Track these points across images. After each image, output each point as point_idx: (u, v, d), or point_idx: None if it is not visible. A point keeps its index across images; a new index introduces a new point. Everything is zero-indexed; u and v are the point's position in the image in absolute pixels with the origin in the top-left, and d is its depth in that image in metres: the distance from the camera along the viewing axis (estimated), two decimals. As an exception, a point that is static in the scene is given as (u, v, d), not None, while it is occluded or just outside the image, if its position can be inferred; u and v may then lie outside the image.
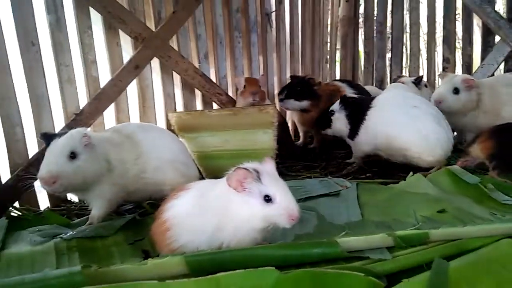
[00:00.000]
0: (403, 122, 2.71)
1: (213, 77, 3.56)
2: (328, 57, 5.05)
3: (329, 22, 5.10)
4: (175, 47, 3.21)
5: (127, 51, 3.01)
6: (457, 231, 1.57)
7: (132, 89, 2.98)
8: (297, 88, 3.57)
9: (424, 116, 2.71)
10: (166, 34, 3.07)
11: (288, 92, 3.60)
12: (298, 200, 2.18)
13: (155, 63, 3.12)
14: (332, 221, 1.99)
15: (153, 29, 3.02)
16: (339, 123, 2.99)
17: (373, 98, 3.02)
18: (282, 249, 1.54)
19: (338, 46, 5.06)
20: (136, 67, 2.89)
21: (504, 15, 3.74)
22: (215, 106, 3.51)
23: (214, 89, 3.40)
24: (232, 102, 3.50)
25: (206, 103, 3.49)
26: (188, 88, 3.34)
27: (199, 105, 3.49)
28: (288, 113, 4.14)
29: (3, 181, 2.34)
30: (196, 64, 3.37)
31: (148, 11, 3.09)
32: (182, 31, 3.23)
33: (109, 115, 2.85)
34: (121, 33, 2.87)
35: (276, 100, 3.90)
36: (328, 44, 5.07)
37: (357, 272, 1.35)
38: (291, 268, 1.40)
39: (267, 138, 2.79)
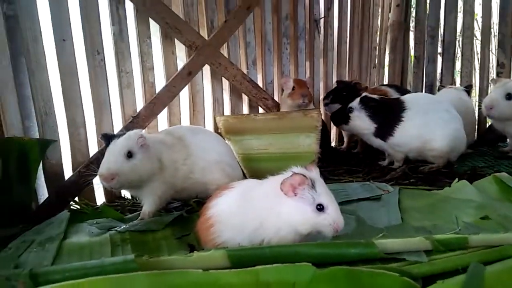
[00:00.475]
0: (439, 125, 2.92)
1: (260, 83, 3.68)
2: (376, 62, 5.01)
3: (378, 27, 5.06)
4: (225, 54, 3.37)
5: (181, 59, 3.21)
6: (498, 237, 1.55)
7: (184, 94, 3.17)
8: (343, 92, 3.61)
9: (454, 119, 3.00)
10: (217, 42, 3.23)
11: (334, 97, 3.66)
12: (339, 204, 2.25)
13: (205, 69, 3.30)
14: (371, 224, 2.02)
15: (206, 38, 3.19)
16: (360, 121, 3.06)
17: (398, 99, 3.09)
18: (320, 247, 1.59)
19: (387, 51, 5.01)
20: (189, 74, 3.08)
21: None
22: (260, 110, 3.63)
23: (261, 94, 3.53)
24: (278, 106, 3.60)
25: (252, 108, 3.61)
26: (235, 93, 3.49)
27: (245, 110, 3.63)
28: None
29: (66, 177, 2.58)
30: (244, 70, 3.51)
31: (202, 21, 3.27)
32: (232, 39, 3.38)
33: (162, 118, 3.05)
34: (176, 41, 3.06)
35: (321, 104, 3.96)
36: (377, 49, 5.02)
37: (392, 272, 1.39)
38: (328, 266, 1.46)
39: (310, 142, 2.86)
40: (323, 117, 4.02)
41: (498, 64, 3.96)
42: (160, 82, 3.03)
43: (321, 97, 4.11)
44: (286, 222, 1.59)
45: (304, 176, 1.55)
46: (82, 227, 2.10)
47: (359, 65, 4.70)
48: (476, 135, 4.01)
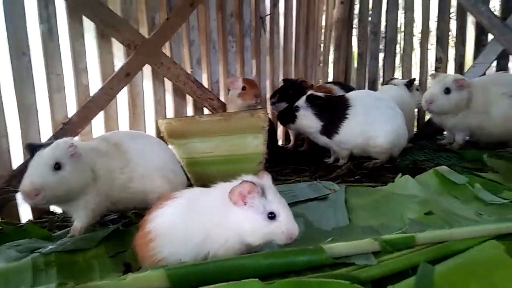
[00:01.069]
0: (382, 122, 2.98)
1: (205, 82, 3.56)
2: (321, 59, 5.05)
3: (323, 24, 5.10)
4: (168, 53, 3.22)
5: (120, 59, 3.02)
6: (443, 233, 1.56)
7: (122, 96, 2.98)
8: (289, 91, 3.59)
9: (396, 116, 3.06)
10: (159, 40, 3.07)
11: (281, 96, 3.63)
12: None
13: (146, 69, 3.13)
14: (319, 226, 1.99)
15: (146, 36, 3.02)
16: (306, 120, 3.05)
17: (343, 96, 3.13)
18: (267, 258, 1.52)
19: (332, 48, 5.06)
20: (127, 75, 2.90)
21: (498, 14, 3.73)
22: (206, 111, 3.52)
23: (206, 95, 3.41)
24: (224, 107, 3.50)
25: (198, 109, 3.49)
26: (179, 94, 3.34)
27: (190, 111, 3.49)
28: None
29: (-16, 194, 2.30)
30: (188, 69, 3.38)
31: (142, 18, 3.10)
32: (175, 37, 3.24)
33: (98, 123, 2.85)
34: (113, 40, 2.87)
35: (268, 103, 3.91)
36: (322, 46, 5.07)
37: (342, 279, 1.34)
38: (276, 278, 1.39)
39: (257, 143, 2.79)
40: (269, 116, 4.01)
41: (436, 60, 4.11)
42: (95, 85, 2.82)
43: (268, 95, 4.06)
44: (235, 233, 1.51)
45: (253, 183, 1.48)
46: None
47: (305, 63, 4.71)
48: (415, 129, 4.14)
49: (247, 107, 3.24)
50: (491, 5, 3.83)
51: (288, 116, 3.14)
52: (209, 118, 2.90)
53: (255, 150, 2.79)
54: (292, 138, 4.00)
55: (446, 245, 1.56)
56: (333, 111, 3.03)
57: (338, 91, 3.70)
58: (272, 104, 3.69)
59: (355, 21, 5.06)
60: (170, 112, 3.36)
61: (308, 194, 2.36)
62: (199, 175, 2.76)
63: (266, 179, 1.59)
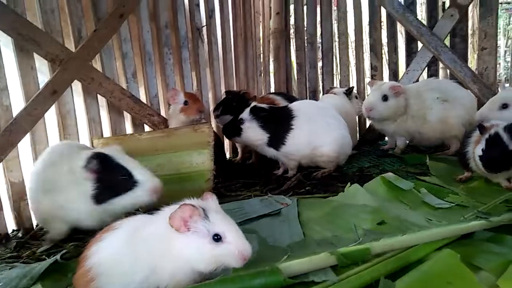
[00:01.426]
0: (326, 131, 3.00)
1: (143, 97, 3.37)
2: (262, 69, 5.04)
3: (261, 35, 5.10)
4: (99, 68, 3.00)
5: (45, 75, 2.75)
6: (396, 241, 1.55)
7: (51, 116, 2.72)
8: (233, 103, 3.52)
9: (339, 124, 3.10)
10: (87, 54, 2.84)
11: (224, 108, 3.55)
12: (238, 224, 2.08)
13: (76, 86, 2.88)
14: (274, 243, 1.92)
15: (73, 50, 2.79)
16: (252, 132, 3.00)
17: (286, 107, 3.13)
18: (222, 284, 1.43)
19: (271, 58, 5.08)
20: (54, 93, 2.64)
21: (425, 23, 3.93)
22: (146, 128, 3.32)
23: (145, 110, 3.22)
24: (165, 122, 3.33)
25: (137, 126, 3.29)
26: (115, 111, 3.12)
27: (129, 129, 3.28)
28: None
29: None
30: (123, 84, 3.17)
31: (67, 30, 2.85)
32: (106, 50, 3.02)
33: (24, 147, 2.56)
34: (36, 55, 2.60)
35: (212, 116, 3.80)
36: (261, 56, 5.06)
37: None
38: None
39: (204, 159, 2.67)
40: (215, 129, 3.89)
41: (371, 68, 4.25)
42: (18, 105, 2.53)
43: (211, 108, 3.95)
44: (183, 262, 1.40)
45: (193, 206, 1.38)
46: None
47: (246, 74, 4.66)
48: (358, 135, 4.24)
49: (190, 122, 3.11)
50: (418, 15, 4.04)
51: (233, 129, 3.07)
52: (149, 136, 2.73)
53: (202, 167, 2.66)
54: (239, 151, 3.92)
55: (403, 255, 1.55)
56: (278, 122, 3.00)
57: (281, 101, 3.69)
58: (216, 117, 3.59)
59: (292, 31, 5.12)
60: (106, 131, 3.12)
61: (260, 210, 2.28)
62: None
63: (210, 200, 1.52)
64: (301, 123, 2.98)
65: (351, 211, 2.12)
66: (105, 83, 2.94)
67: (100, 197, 1.97)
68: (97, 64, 3.01)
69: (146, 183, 2.00)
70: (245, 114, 3.00)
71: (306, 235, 1.98)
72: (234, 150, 4.36)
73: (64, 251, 1.97)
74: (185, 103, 3.15)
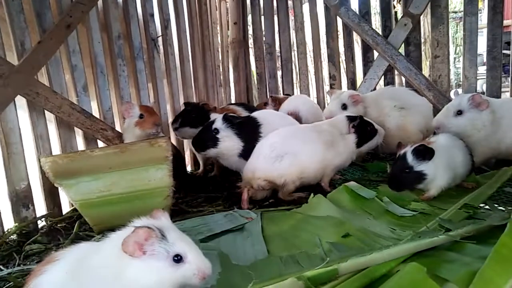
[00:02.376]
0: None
1: (96, 111, 3.20)
2: (221, 80, 4.97)
3: (219, 45, 5.04)
4: (46, 82, 2.81)
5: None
6: (364, 260, 1.50)
7: (-8, 134, 2.51)
8: (192, 115, 3.40)
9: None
10: (31, 67, 2.65)
11: (183, 120, 3.42)
12: (201, 241, 1.97)
13: (21, 101, 2.68)
14: (237, 261, 1.82)
15: (15, 63, 2.59)
16: (229, 141, 2.87)
17: (250, 116, 3.08)
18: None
19: (231, 69, 5.02)
20: (-5, 109, 2.44)
21: (380, 32, 4.02)
22: (100, 143, 3.14)
23: (97, 125, 3.04)
24: (120, 137, 3.17)
25: (90, 141, 3.10)
26: (65, 127, 2.93)
27: (81, 145, 3.09)
28: (186, 141, 3.94)
29: None
30: (73, 98, 2.99)
31: (8, 42, 2.65)
32: (53, 62, 2.83)
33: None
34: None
35: (171, 129, 3.67)
36: (221, 67, 5.00)
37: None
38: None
39: (162, 175, 2.54)
40: (174, 142, 3.76)
41: (330, 77, 4.29)
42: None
43: (170, 121, 3.82)
44: None
45: (149, 228, 1.27)
46: None
47: (205, 84, 4.57)
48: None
49: (147, 136, 2.97)
50: (373, 24, 4.12)
51: (207, 141, 2.90)
52: (102, 152, 2.55)
53: (160, 183, 2.53)
54: (201, 163, 3.80)
55: (369, 272, 1.50)
56: (249, 130, 2.92)
57: (242, 112, 3.63)
58: (175, 129, 3.45)
59: (251, 41, 5.10)
60: (56, 148, 2.91)
61: (224, 226, 2.19)
62: (98, 218, 2.44)
63: (163, 218, 1.41)
64: (267, 132, 2.91)
65: (316, 223, 2.07)
66: (52, 97, 2.75)
67: None
68: (43, 78, 2.82)
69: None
70: (219, 124, 2.87)
71: (271, 252, 1.91)
72: (195, 163, 4.24)
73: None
74: (141, 116, 3.01)
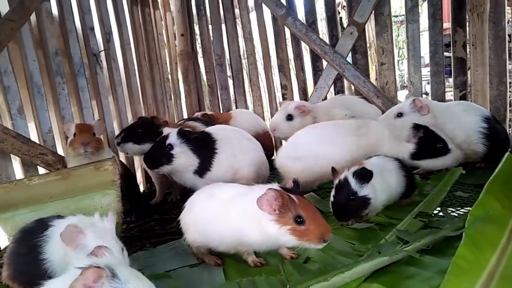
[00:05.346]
0: (244, 153, 2.85)
1: (33, 135, 2.96)
2: (171, 93, 4.82)
3: (167, 58, 4.89)
4: (-26, 105, 2.56)
5: None
6: (326, 285, 1.45)
7: None
8: (138, 129, 3.19)
9: (255, 146, 2.98)
10: (-46, 91, 2.41)
11: (126, 135, 3.17)
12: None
13: None
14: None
15: None
16: (185, 158, 2.71)
17: (204, 132, 2.95)
18: None
19: (181, 81, 4.89)
20: None
21: (327, 40, 4.06)
22: (41, 170, 2.91)
23: (36, 150, 2.81)
24: (63, 161, 2.95)
25: (28, 168, 2.86)
26: (-1, 154, 2.69)
27: (19, 173, 2.84)
28: (138, 158, 3.74)
29: None
30: (7, 123, 2.75)
31: None
32: (-20, 84, 2.60)
33: None
34: None
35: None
36: (170, 79, 4.85)
37: None
38: None
39: (109, 200, 2.37)
40: (124, 160, 3.57)
41: (282, 87, 4.28)
42: None
43: (118, 138, 3.62)
44: None
45: (98, 267, 1.16)
46: None
47: (154, 98, 4.41)
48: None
49: (84, 157, 2.75)
50: (320, 32, 4.16)
51: (160, 157, 2.72)
52: (41, 180, 2.35)
53: (107, 210, 2.36)
54: (157, 188, 3.52)
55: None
56: (204, 146, 2.78)
57: (199, 126, 3.47)
58: (117, 144, 3.19)
59: (200, 52, 5.00)
60: (-11, 178, 2.67)
61: (171, 264, 2.03)
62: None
63: (108, 254, 1.34)
64: (222, 147, 2.81)
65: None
66: (-18, 123, 2.51)
67: None
68: (-30, 102, 2.57)
69: None
70: (173, 139, 2.70)
71: (228, 277, 1.82)
72: (148, 179, 4.05)
73: None
74: (74, 135, 2.81)
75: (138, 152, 3.13)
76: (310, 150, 2.80)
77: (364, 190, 2.07)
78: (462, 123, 2.85)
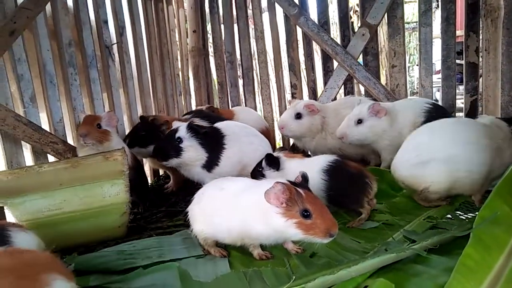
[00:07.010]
0: (252, 149, 2.91)
1: (45, 123, 2.99)
2: (181, 89, 4.84)
3: (178, 53, 4.92)
4: (-13, 92, 2.60)
5: None
6: (331, 278, 1.45)
7: None
8: (141, 132, 3.25)
9: (263, 142, 3.06)
10: (-31, 77, 2.44)
11: (131, 140, 3.26)
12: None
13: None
14: (197, 278, 1.72)
15: (-49, 72, 2.37)
16: (193, 151, 2.74)
17: (213, 127, 2.99)
18: None
19: (191, 77, 4.91)
20: None
21: (339, 42, 4.05)
22: (51, 158, 2.94)
23: (47, 138, 2.85)
24: (73, 151, 2.98)
25: (39, 156, 2.90)
26: (10, 141, 2.71)
27: (29, 160, 2.87)
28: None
29: None
30: (20, 110, 2.78)
31: None
32: (-6, 72, 2.63)
33: None
34: None
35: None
36: (180, 75, 4.87)
37: None
38: None
39: (118, 190, 2.41)
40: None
41: (291, 86, 4.28)
42: None
43: (127, 131, 3.65)
44: None
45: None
46: None
47: (164, 93, 4.43)
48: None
49: (89, 149, 2.76)
50: (332, 34, 4.16)
51: (169, 151, 2.75)
52: (52, 167, 2.38)
53: (116, 199, 2.39)
54: (171, 175, 3.60)
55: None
56: (213, 141, 2.81)
57: (201, 122, 3.51)
58: None
59: (211, 50, 5.03)
60: (1, 164, 2.70)
61: (177, 253, 2.06)
62: (50, 239, 2.21)
63: None
64: (231, 142, 2.85)
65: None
66: (-5, 109, 2.55)
67: None
68: (-16, 89, 2.61)
69: None
70: (182, 133, 2.74)
71: (234, 267, 1.83)
72: (155, 175, 4.09)
73: None
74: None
75: (145, 154, 3.30)
76: None
77: None
78: None
